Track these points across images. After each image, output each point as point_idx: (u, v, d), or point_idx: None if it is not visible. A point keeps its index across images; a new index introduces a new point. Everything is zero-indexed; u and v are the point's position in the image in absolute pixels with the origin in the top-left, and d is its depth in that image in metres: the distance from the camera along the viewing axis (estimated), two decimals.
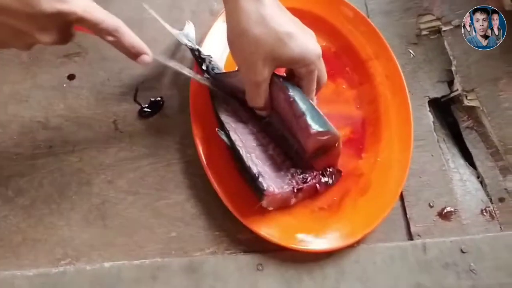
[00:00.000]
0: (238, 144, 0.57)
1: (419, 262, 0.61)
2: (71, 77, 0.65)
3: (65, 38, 0.47)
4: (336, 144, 0.58)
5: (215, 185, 0.58)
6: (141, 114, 0.64)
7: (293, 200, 0.59)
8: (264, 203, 0.55)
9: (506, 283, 0.62)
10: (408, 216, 0.64)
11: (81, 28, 0.47)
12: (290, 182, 0.57)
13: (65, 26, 0.45)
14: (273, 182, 0.56)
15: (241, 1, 0.50)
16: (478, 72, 0.73)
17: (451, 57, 0.74)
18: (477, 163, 0.71)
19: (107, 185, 0.60)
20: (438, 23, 0.76)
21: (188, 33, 0.66)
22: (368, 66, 0.69)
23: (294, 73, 0.56)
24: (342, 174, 0.62)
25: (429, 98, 0.72)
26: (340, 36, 0.70)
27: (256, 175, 0.55)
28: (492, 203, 0.68)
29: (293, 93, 0.54)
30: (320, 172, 0.61)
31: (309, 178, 0.59)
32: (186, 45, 0.65)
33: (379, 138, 0.65)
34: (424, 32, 0.75)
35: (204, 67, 0.63)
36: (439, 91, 0.73)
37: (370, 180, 0.63)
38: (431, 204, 0.66)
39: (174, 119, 0.64)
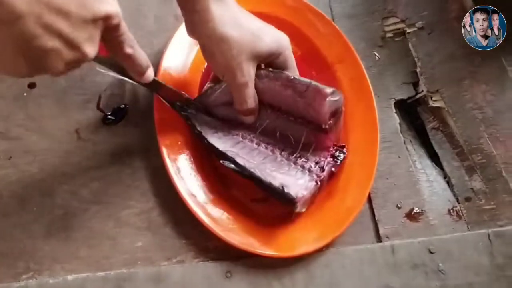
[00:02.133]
0: (249, 166, 0.56)
1: (388, 264, 0.62)
2: (31, 85, 0.63)
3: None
4: (342, 107, 0.58)
5: (182, 193, 0.57)
6: (105, 121, 0.63)
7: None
8: (297, 209, 0.55)
9: (474, 282, 0.63)
10: (376, 218, 0.65)
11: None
12: (311, 177, 0.57)
13: (104, 34, 0.40)
14: (298, 186, 0.55)
15: (211, 8, 0.50)
16: (442, 73, 0.74)
17: (416, 59, 0.74)
18: (444, 164, 0.71)
19: (70, 195, 0.59)
20: (402, 25, 0.76)
21: None
22: (334, 70, 0.69)
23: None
24: (345, 148, 0.62)
25: (395, 99, 0.72)
26: (306, 40, 0.70)
27: (281, 188, 0.54)
28: (459, 203, 0.68)
29: (289, 73, 0.56)
30: (329, 154, 0.60)
31: (324, 163, 0.59)
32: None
33: (345, 140, 0.65)
34: (388, 35, 0.76)
35: (178, 105, 0.60)
36: (404, 93, 0.73)
37: (337, 184, 0.63)
38: (398, 205, 0.66)
39: (138, 126, 0.63)
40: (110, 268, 0.56)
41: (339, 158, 0.61)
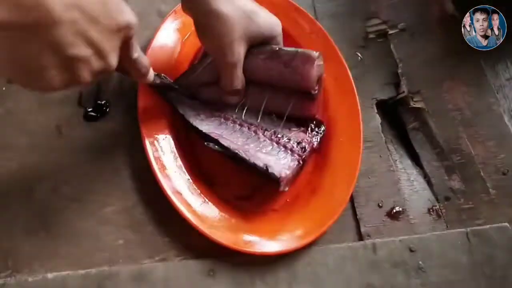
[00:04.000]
0: (233, 147, 0.57)
1: (369, 262, 0.62)
2: (11, 80, 0.62)
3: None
4: (323, 72, 0.60)
5: (166, 190, 0.57)
6: (86, 118, 0.62)
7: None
8: (281, 188, 0.56)
9: (453, 280, 0.63)
10: (358, 217, 0.65)
11: None
12: (293, 157, 0.58)
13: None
14: (281, 166, 0.56)
15: None
16: (423, 74, 0.75)
17: (397, 60, 0.75)
18: (424, 163, 0.72)
19: (50, 192, 0.58)
20: (384, 26, 0.77)
21: None
22: None
23: None
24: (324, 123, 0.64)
25: (377, 100, 0.73)
26: (289, 38, 0.69)
27: (265, 168, 0.55)
28: (438, 202, 0.69)
29: (275, 46, 0.57)
30: (308, 131, 0.62)
31: (305, 144, 0.60)
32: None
33: (329, 139, 0.65)
34: (371, 36, 0.77)
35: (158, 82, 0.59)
36: (386, 93, 0.74)
37: (321, 181, 0.63)
38: (380, 204, 0.67)
39: (120, 122, 0.62)
40: (91, 266, 0.55)
41: (319, 133, 0.62)
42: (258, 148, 0.58)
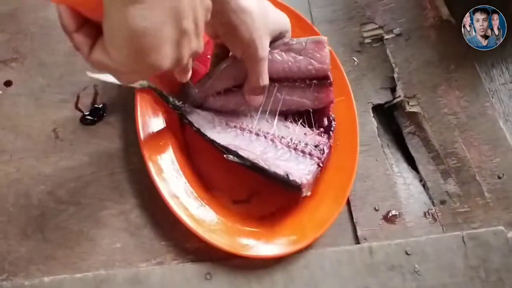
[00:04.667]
0: (252, 157, 0.56)
1: (366, 265, 0.62)
2: (7, 83, 0.62)
3: None
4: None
5: (164, 194, 0.57)
6: (83, 121, 0.62)
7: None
8: (303, 193, 0.56)
9: (449, 283, 0.64)
10: (354, 220, 0.65)
11: None
12: (312, 161, 0.58)
13: None
14: (301, 172, 0.56)
15: None
16: (418, 79, 0.75)
17: (393, 65, 0.76)
18: (420, 167, 0.73)
19: (47, 196, 0.58)
20: (380, 31, 0.78)
21: None
22: None
23: None
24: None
25: (373, 104, 0.73)
26: None
27: (286, 176, 0.55)
28: (434, 206, 0.70)
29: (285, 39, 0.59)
30: (323, 130, 0.62)
31: (323, 147, 0.60)
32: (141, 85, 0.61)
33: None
34: (367, 40, 0.77)
35: (172, 101, 0.60)
36: (382, 98, 0.75)
37: (318, 185, 0.63)
38: (376, 208, 0.67)
39: (117, 126, 0.63)
40: (88, 269, 0.55)
41: (332, 129, 0.63)
42: (277, 157, 0.58)
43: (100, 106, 0.63)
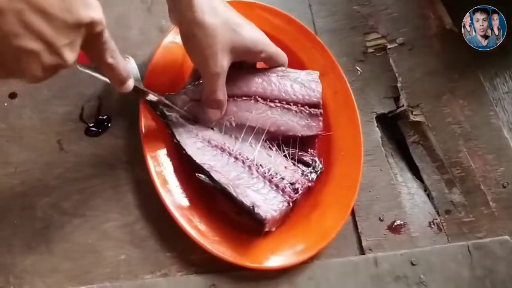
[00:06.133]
0: (223, 181, 0.55)
1: (371, 276, 0.62)
2: (12, 95, 0.62)
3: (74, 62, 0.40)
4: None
5: (168, 205, 0.57)
6: (88, 133, 0.62)
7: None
8: (266, 228, 0.55)
9: None
10: (359, 231, 0.65)
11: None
12: (283, 198, 0.57)
13: (85, 41, 0.39)
14: (269, 206, 0.55)
15: None
16: (422, 88, 0.75)
17: (397, 74, 0.76)
18: (424, 177, 0.72)
19: (51, 208, 0.58)
20: (383, 41, 0.78)
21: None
22: None
23: None
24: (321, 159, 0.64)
25: (377, 114, 0.73)
26: (290, 53, 0.70)
27: (252, 207, 0.54)
28: (439, 216, 0.69)
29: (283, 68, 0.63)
30: (303, 170, 0.61)
31: (298, 186, 0.59)
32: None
33: (329, 153, 0.65)
34: (370, 50, 0.77)
35: (160, 108, 0.60)
36: (386, 107, 0.74)
37: (322, 195, 0.63)
38: (381, 218, 0.67)
39: (122, 138, 0.63)
40: (93, 282, 0.55)
41: (316, 171, 0.62)
42: (249, 185, 0.57)
43: (104, 117, 0.63)
